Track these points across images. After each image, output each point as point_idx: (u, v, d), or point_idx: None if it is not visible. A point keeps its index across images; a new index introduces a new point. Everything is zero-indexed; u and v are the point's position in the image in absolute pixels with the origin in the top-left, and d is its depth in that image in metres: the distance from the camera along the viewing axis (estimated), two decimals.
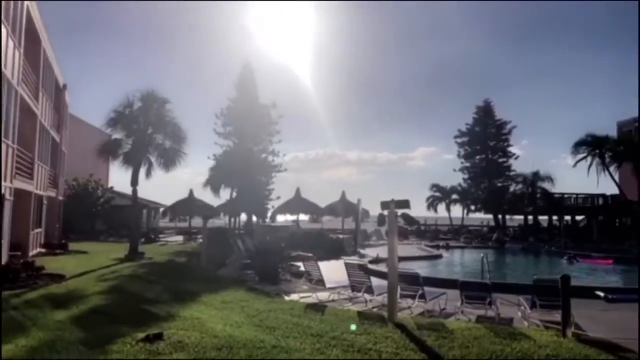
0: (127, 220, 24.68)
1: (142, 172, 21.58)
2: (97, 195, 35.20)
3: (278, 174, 36.29)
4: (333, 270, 13.71)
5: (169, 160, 21.62)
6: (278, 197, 35.53)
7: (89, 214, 34.01)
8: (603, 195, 41.36)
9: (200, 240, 24.48)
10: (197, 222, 37.75)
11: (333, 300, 10.83)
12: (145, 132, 21.35)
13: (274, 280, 13.35)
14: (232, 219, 35.96)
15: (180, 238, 34.51)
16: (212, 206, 33.28)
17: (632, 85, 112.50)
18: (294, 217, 37.05)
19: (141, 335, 6.82)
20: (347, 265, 11.42)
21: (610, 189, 41.09)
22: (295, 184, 42.61)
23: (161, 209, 43.02)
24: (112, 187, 38.71)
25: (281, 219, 37.39)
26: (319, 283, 11.73)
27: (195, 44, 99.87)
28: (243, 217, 35.88)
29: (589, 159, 39.76)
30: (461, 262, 24.35)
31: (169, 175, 22.40)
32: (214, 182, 34.17)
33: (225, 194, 34.41)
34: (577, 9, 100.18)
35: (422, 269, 16.73)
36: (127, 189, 22.33)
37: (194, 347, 6.46)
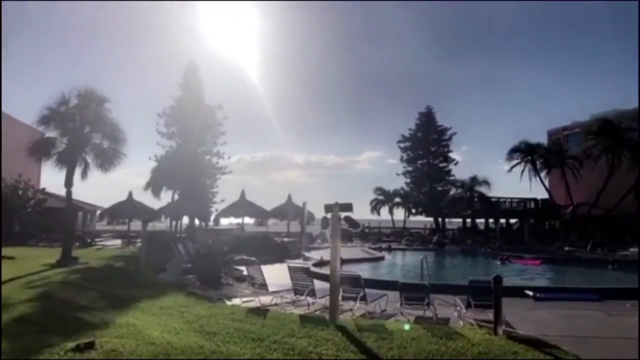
0: (60, 223, 23.41)
1: (78, 173, 20.55)
2: (27, 197, 33.13)
3: (223, 176, 35.76)
4: (277, 274, 13.64)
5: (107, 160, 20.68)
6: (222, 200, 35.01)
7: (17, 217, 31.95)
8: (534, 199, 43.85)
9: (140, 244, 23.64)
10: (136, 225, 36.44)
11: (276, 304, 10.79)
12: (81, 131, 20.32)
13: (216, 284, 13.11)
14: (174, 223, 35.04)
15: (118, 242, 33.15)
16: (152, 209, 32.30)
17: (560, 96, 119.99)
18: (238, 221, 36.65)
19: (71, 344, 6.47)
20: (290, 268, 11.41)
21: (541, 193, 43.73)
22: (240, 186, 42.12)
23: (98, 212, 41.20)
24: (44, 189, 36.58)
25: (225, 222, 36.88)
26: (262, 287, 11.65)
27: (138, 43, 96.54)
28: (185, 220, 35.02)
29: (522, 165, 42.12)
30: (403, 264, 24.98)
31: (107, 177, 21.42)
32: (155, 184, 33.16)
33: (167, 197, 33.51)
34: (513, 22, 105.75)
35: (364, 271, 17.02)
36: (62, 191, 21.17)
37: (129, 355, 6.22)
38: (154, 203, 33.13)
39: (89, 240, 31.41)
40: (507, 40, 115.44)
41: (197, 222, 34.23)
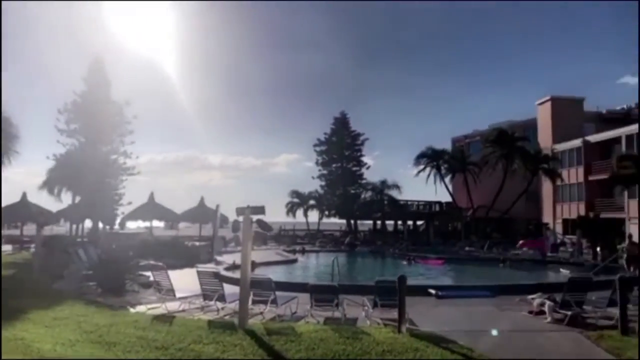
0: None
1: None
2: None
3: (130, 177, 33.90)
4: (186, 279, 13.17)
5: None
6: (129, 203, 33.14)
7: None
8: (439, 203, 46.60)
9: (34, 249, 21.71)
10: (31, 229, 33.43)
11: (183, 310, 10.43)
12: None
13: (119, 291, 12.40)
14: (75, 226, 32.61)
15: (9, 247, 30.21)
16: (49, 211, 29.87)
17: (464, 105, 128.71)
18: (147, 224, 35.00)
19: None
20: (199, 273, 11.09)
21: (445, 196, 46.57)
22: (150, 188, 40.26)
23: None
24: None
25: (133, 225, 35.00)
26: (169, 293, 11.20)
27: (39, 38, 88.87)
28: (88, 223, 32.75)
29: (428, 169, 44.60)
30: (315, 265, 25.30)
31: None
32: (53, 185, 30.66)
33: (67, 198, 31.11)
34: (425, 32, 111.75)
35: (278, 273, 17.03)
36: None
37: None
38: (52, 205, 30.66)
39: None
40: (418, 50, 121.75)
41: (100, 225, 32.17)
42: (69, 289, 13.27)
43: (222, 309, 10.35)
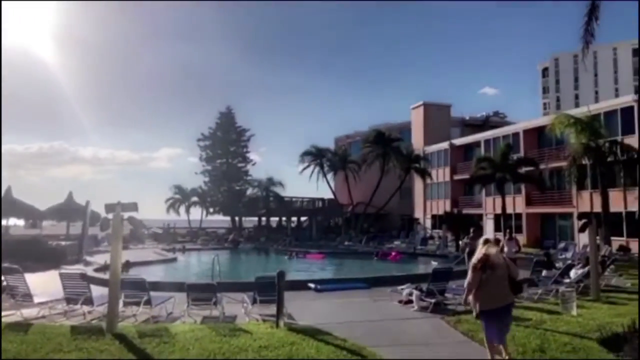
0: None
1: None
2: None
3: None
4: (51, 283, 11.93)
5: None
6: None
7: None
8: (322, 199, 48.02)
9: None
10: None
11: (43, 317, 9.46)
12: None
13: None
14: None
15: None
16: None
17: (346, 107, 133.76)
18: (3, 222, 31.12)
19: None
20: (62, 275, 10.10)
21: (328, 193, 48.15)
22: (8, 182, 35.64)
23: None
24: None
25: None
26: (26, 298, 10.07)
27: None
28: None
29: (312, 167, 45.74)
30: (197, 264, 24.57)
31: None
32: None
33: None
34: (307, 33, 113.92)
35: (154, 273, 16.26)
36: None
37: None
38: None
39: None
40: (304, 51, 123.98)
41: None
42: None
43: (90, 312, 9.58)
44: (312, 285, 13.43)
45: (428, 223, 44.82)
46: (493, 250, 6.10)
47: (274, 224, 47.51)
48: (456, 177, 42.14)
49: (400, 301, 11.22)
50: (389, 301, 11.42)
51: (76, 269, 15.14)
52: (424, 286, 10.91)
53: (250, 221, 50.09)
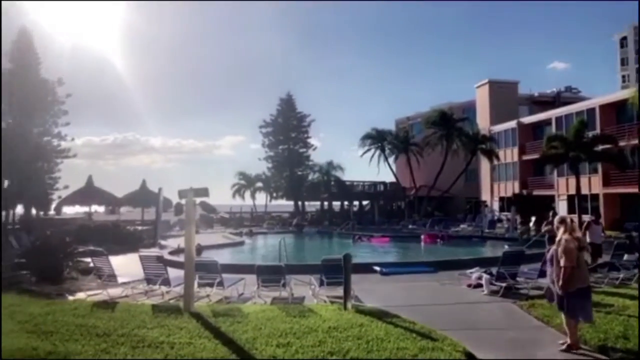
0: None
1: None
2: None
3: (66, 161, 32.17)
4: (129, 264, 12.81)
5: None
6: (66, 187, 31.51)
7: None
8: (384, 183, 47.63)
9: None
10: None
11: (126, 296, 10.15)
12: None
13: (56, 279, 11.84)
14: (4, 212, 30.63)
15: None
16: None
17: (408, 87, 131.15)
18: (85, 209, 33.52)
19: None
20: (141, 257, 10.79)
21: (389, 177, 47.70)
22: (88, 171, 38.50)
23: None
24: None
25: (70, 211, 33.46)
26: (111, 279, 10.83)
27: None
28: (20, 209, 30.89)
29: (373, 150, 45.39)
30: (263, 247, 25.28)
31: None
32: None
33: None
34: (364, 16, 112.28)
35: (224, 256, 16.89)
36: None
37: None
38: None
39: None
40: (362, 34, 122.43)
41: (34, 211, 30.44)
42: None
43: (167, 292, 10.16)
44: (377, 268, 13.42)
45: (495, 205, 43.25)
46: (579, 232, 6.24)
47: (336, 208, 47.79)
48: (525, 158, 40.23)
49: (469, 285, 10.98)
50: (457, 285, 11.21)
51: (153, 252, 16.05)
52: (494, 270, 10.60)
53: (312, 205, 50.72)
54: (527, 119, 41.28)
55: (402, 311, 8.15)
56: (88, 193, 29.76)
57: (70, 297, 10.09)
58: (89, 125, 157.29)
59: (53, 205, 30.88)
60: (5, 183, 28.12)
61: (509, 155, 42.32)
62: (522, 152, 40.74)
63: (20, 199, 28.56)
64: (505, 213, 37.87)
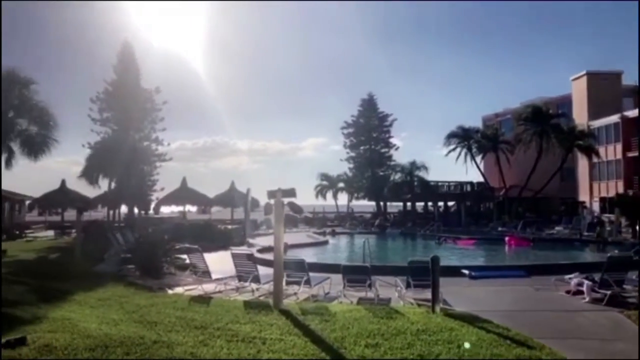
0: None
1: (3, 160, 19.28)
2: None
3: (163, 164, 34.67)
4: (220, 262, 13.49)
5: (36, 147, 19.52)
6: (162, 188, 33.99)
7: None
8: (470, 183, 45.83)
9: (75, 234, 22.57)
10: (71, 215, 34.66)
11: (219, 292, 10.70)
12: (5, 116, 19.01)
13: (157, 274, 12.80)
14: (112, 212, 33.60)
15: (51, 233, 31.46)
16: (88, 198, 30.88)
17: (492, 83, 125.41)
18: (180, 209, 35.76)
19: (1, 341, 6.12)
20: (233, 255, 11.33)
21: (477, 176, 45.82)
22: (182, 173, 41.05)
23: (28, 202, 38.80)
24: None
25: (166, 210, 35.86)
26: (205, 275, 11.49)
27: (70, 26, 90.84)
28: (124, 209, 33.71)
29: (459, 149, 43.84)
30: (346, 247, 25.43)
31: (39, 165, 20.13)
32: (90, 172, 31.58)
33: (104, 185, 32.05)
34: (446, 12, 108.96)
35: (309, 255, 17.17)
36: None
37: (63, 350, 5.96)
38: (90, 192, 31.63)
39: (17, 232, 29.58)
40: (441, 30, 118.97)
41: (136, 210, 33.08)
42: (109, 271, 13.79)
43: (257, 289, 10.57)
44: (465, 271, 12.97)
45: (595, 206, 39.98)
46: None
47: (419, 209, 46.83)
48: (630, 154, 36.76)
49: (567, 291, 10.27)
50: (554, 291, 10.53)
51: (242, 250, 16.74)
52: (597, 276, 9.82)
53: (395, 206, 50.11)
54: (632, 113, 37.67)
55: (494, 316, 7.82)
56: (182, 194, 31.72)
57: (170, 291, 10.82)
58: (181, 129, 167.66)
59: (152, 205, 33.35)
60: (112, 185, 30.81)
61: (611, 152, 38.90)
62: (626, 148, 37.27)
63: (124, 199, 31.13)
64: (608, 215, 34.84)
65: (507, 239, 23.74)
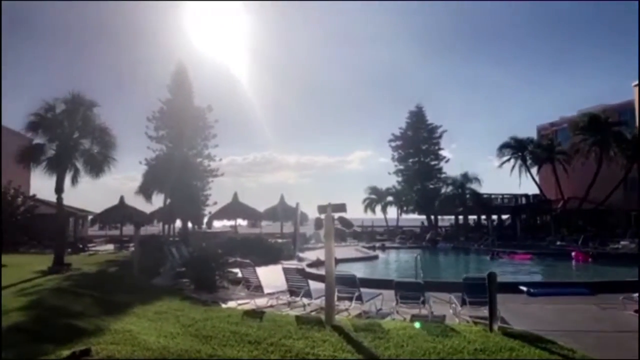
0: (52, 229, 23.20)
1: (68, 178, 20.41)
2: (17, 204, 32.75)
3: (215, 179, 35.63)
4: (272, 276, 13.61)
5: (97, 166, 20.57)
6: (215, 203, 34.88)
7: (8, 224, 31.55)
8: (525, 195, 44.12)
9: (132, 248, 23.51)
10: (129, 229, 36.20)
11: (271, 306, 10.78)
12: (70, 136, 20.19)
13: (211, 288, 13.07)
14: (167, 226, 34.82)
15: (111, 247, 32.96)
16: (144, 213, 32.14)
17: (546, 92, 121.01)
18: (231, 223, 36.54)
19: (67, 352, 6.43)
20: (285, 270, 11.40)
21: (532, 189, 44.06)
22: (233, 188, 42.02)
23: (90, 217, 40.87)
24: (34, 195, 36.18)
25: (218, 224, 36.75)
26: (257, 289, 11.62)
27: (124, 45, 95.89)
28: (178, 223, 34.84)
29: (513, 161, 42.41)
30: (396, 262, 25.05)
31: (99, 182, 21.21)
32: (146, 188, 32.95)
33: (158, 201, 33.32)
34: (497, 20, 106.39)
35: (359, 270, 17.06)
36: (53, 197, 21.01)
37: None
38: (146, 207, 32.97)
39: (81, 246, 31.20)
40: (491, 38, 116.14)
41: (190, 225, 34.09)
42: (165, 285, 14.22)
43: (309, 304, 10.56)
44: (524, 288, 12.44)
45: None
46: None
47: (472, 223, 45.52)
48: None
49: (636, 311, 9.61)
50: (621, 310, 9.89)
51: (292, 264, 16.84)
52: None
53: (446, 220, 48.96)
54: None
55: (557, 337, 7.44)
56: (234, 208, 32.51)
57: (223, 305, 11.01)
58: (231, 145, 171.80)
59: (205, 220, 34.27)
60: (167, 200, 31.95)
61: None
62: None
63: (178, 214, 32.18)
64: None
65: (574, 253, 22.57)
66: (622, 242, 28.32)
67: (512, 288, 12.49)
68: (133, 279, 15.55)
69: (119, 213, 32.53)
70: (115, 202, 33.33)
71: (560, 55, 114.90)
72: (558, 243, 30.75)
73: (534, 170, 42.88)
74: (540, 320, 9.21)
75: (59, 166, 19.84)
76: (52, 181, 20.00)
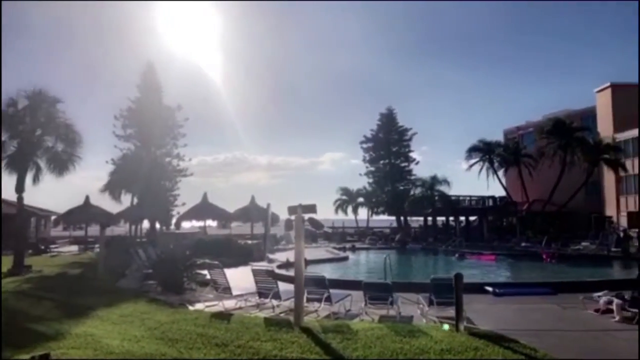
0: (11, 230, 22.33)
1: (30, 177, 19.71)
2: None
3: (184, 179, 35.06)
4: (241, 277, 13.45)
5: (61, 164, 19.93)
6: (183, 204, 34.32)
7: None
8: (492, 197, 45.14)
9: (98, 250, 22.89)
10: (94, 230, 35.21)
11: (240, 308, 10.66)
12: (32, 133, 19.50)
13: (178, 290, 12.83)
14: (134, 227, 34.05)
15: (75, 248, 31.95)
16: (110, 213, 31.33)
17: (512, 97, 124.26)
18: (200, 224, 36.01)
19: (25, 357, 6.18)
20: (254, 271, 11.30)
21: (499, 191, 45.13)
22: (202, 189, 41.50)
23: (53, 217, 39.62)
24: None
25: (187, 225, 36.10)
26: (226, 291, 11.47)
27: (94, 44, 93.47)
28: (146, 224, 34.14)
29: (481, 163, 43.33)
30: (366, 263, 25.18)
31: (63, 181, 20.52)
32: (113, 188, 32.16)
33: (126, 200, 32.57)
34: (467, 26, 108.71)
35: (329, 271, 17.06)
36: (13, 196, 20.27)
37: None
38: (112, 207, 32.17)
39: (42, 247, 30.14)
40: (460, 43, 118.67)
41: (157, 226, 33.45)
42: (131, 287, 13.88)
43: (278, 306, 10.49)
44: (489, 288, 12.69)
45: (623, 221, 38.92)
46: None
47: (440, 224, 46.25)
48: None
49: (596, 310, 9.94)
50: (582, 309, 10.22)
51: (262, 265, 16.73)
52: (627, 293, 9.50)
53: (415, 221, 49.60)
54: None
55: (520, 336, 7.61)
56: (203, 209, 32.01)
57: (191, 307, 10.82)
58: (201, 145, 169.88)
59: (173, 220, 33.68)
60: (135, 200, 31.29)
61: (637, 165, 37.96)
62: None
63: (146, 215, 31.54)
64: (636, 230, 33.86)
65: (544, 255, 23.08)
66: (583, 243, 29.31)
67: (478, 288, 12.74)
68: (98, 281, 15.11)
69: (84, 213, 31.58)
70: (80, 201, 32.36)
71: (527, 61, 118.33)
72: (523, 244, 31.56)
73: (501, 172, 43.94)
74: (505, 320, 9.42)
75: (20, 164, 19.15)
76: (12, 180, 19.29)
